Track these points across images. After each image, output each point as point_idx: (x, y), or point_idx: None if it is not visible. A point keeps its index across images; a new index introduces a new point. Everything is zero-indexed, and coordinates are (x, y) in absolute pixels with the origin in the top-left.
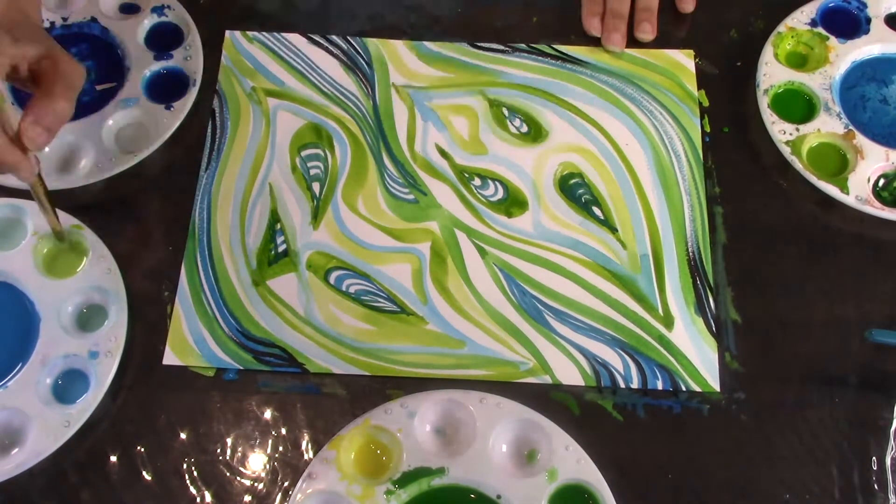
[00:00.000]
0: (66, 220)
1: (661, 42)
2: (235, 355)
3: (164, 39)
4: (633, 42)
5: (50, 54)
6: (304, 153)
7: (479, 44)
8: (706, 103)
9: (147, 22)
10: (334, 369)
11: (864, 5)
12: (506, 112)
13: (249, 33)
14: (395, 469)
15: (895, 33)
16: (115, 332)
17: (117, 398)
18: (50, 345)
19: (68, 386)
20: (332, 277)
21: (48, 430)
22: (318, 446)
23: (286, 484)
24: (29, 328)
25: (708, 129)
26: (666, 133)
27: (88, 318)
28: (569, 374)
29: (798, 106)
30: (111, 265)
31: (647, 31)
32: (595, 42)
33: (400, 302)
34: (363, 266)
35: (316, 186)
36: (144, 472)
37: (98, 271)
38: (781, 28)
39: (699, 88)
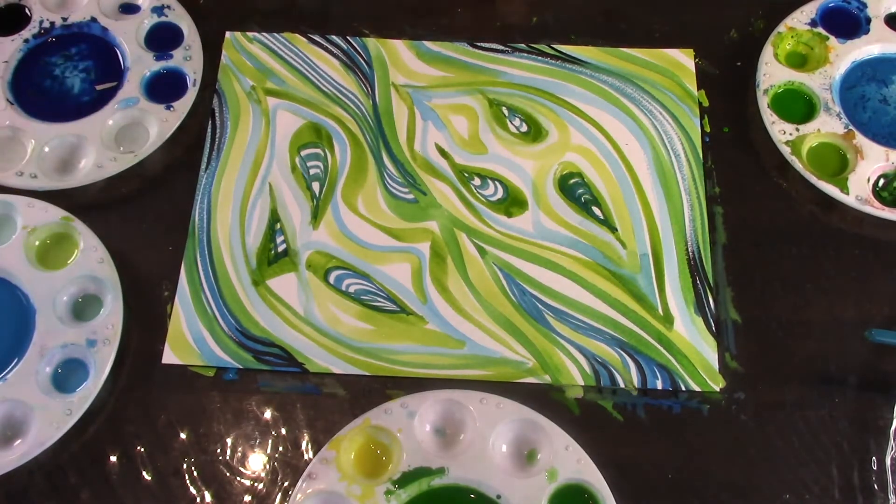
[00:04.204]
0: (61, 215)
1: (661, 42)
2: (235, 355)
3: (164, 39)
4: (633, 42)
5: None
6: (303, 153)
7: (479, 44)
8: (706, 103)
9: (147, 22)
10: (334, 369)
11: (864, 5)
12: (505, 111)
13: (249, 34)
14: (395, 469)
15: (895, 33)
16: (111, 319)
17: (117, 388)
18: (47, 336)
19: (68, 375)
20: (332, 277)
21: (50, 419)
22: (318, 446)
23: (286, 484)
24: (25, 320)
25: (708, 129)
26: (666, 133)
27: (84, 307)
28: (568, 373)
29: (798, 106)
30: (103, 255)
31: None
32: (594, 42)
33: (400, 302)
34: (363, 266)
35: (316, 186)
36: (144, 472)
37: (90, 261)
38: (781, 28)
39: (699, 88)
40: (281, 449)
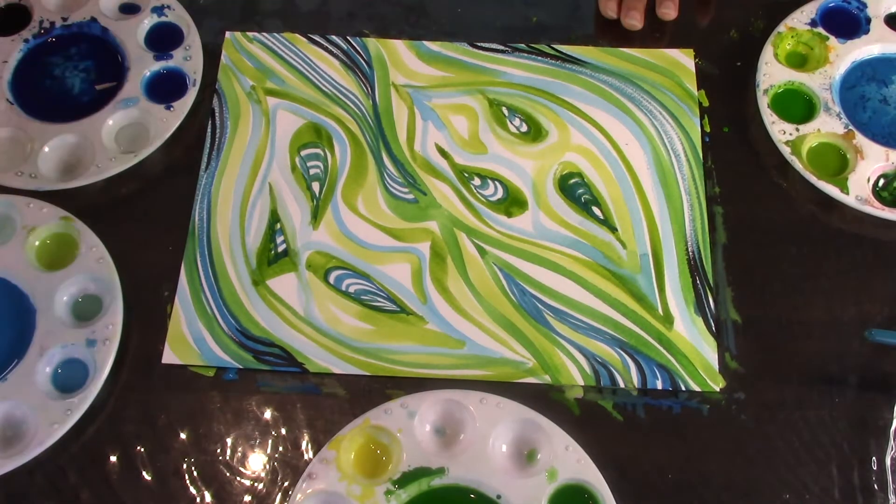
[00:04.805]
0: (61, 215)
1: (661, 42)
2: (235, 355)
3: (164, 39)
4: (633, 42)
5: None
6: (303, 153)
7: (479, 44)
8: (706, 103)
9: (147, 22)
10: (334, 369)
11: (864, 5)
12: (505, 111)
13: (249, 34)
14: (395, 469)
15: (895, 33)
16: (111, 319)
17: (117, 389)
18: (47, 336)
19: (68, 375)
20: (332, 277)
21: (50, 419)
22: (318, 446)
23: (286, 484)
24: (25, 321)
25: (708, 129)
26: (666, 133)
27: (84, 307)
28: (568, 373)
29: (798, 106)
30: (103, 255)
31: (669, 9)
32: (594, 42)
33: (399, 302)
34: (363, 266)
35: (316, 186)
36: (144, 472)
37: (90, 261)
38: (781, 28)
39: (699, 88)
40: (281, 449)
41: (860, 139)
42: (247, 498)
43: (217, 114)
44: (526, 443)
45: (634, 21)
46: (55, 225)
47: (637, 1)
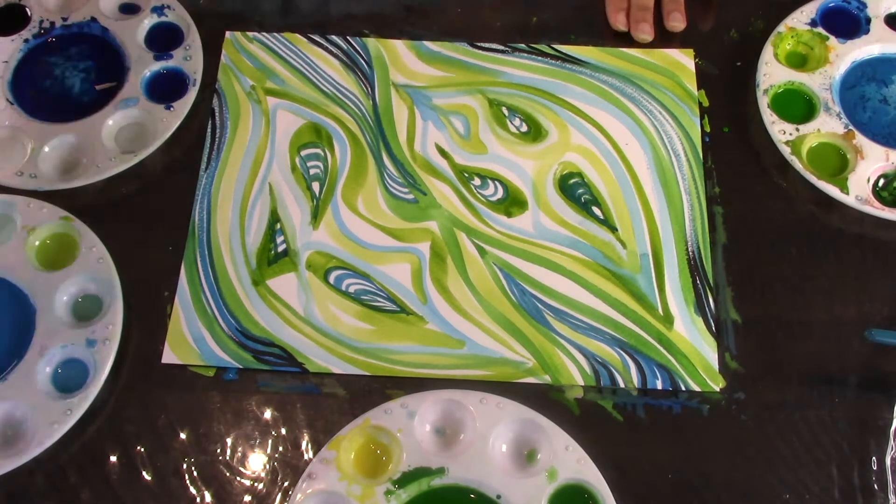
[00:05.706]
0: (61, 215)
1: (661, 42)
2: (235, 355)
3: (164, 39)
4: (633, 42)
5: None
6: (303, 153)
7: (479, 44)
8: (706, 103)
9: (147, 22)
10: (334, 369)
11: (864, 5)
12: (505, 112)
13: (249, 34)
14: (395, 469)
15: (895, 33)
16: (111, 319)
17: (117, 388)
18: (47, 336)
19: (68, 375)
20: (332, 277)
21: (50, 419)
22: (318, 446)
23: (286, 484)
24: (25, 321)
25: (708, 129)
26: (666, 133)
27: (84, 307)
28: (568, 373)
29: (798, 106)
30: (103, 255)
31: (678, 20)
32: (595, 42)
33: (399, 301)
34: (363, 266)
35: (316, 186)
36: (144, 472)
37: (90, 261)
38: (781, 28)
39: (699, 88)
40: (281, 449)
41: (860, 139)
42: (247, 498)
43: (217, 114)
44: (526, 443)
45: (645, 35)
46: (55, 225)
47: (645, 13)
